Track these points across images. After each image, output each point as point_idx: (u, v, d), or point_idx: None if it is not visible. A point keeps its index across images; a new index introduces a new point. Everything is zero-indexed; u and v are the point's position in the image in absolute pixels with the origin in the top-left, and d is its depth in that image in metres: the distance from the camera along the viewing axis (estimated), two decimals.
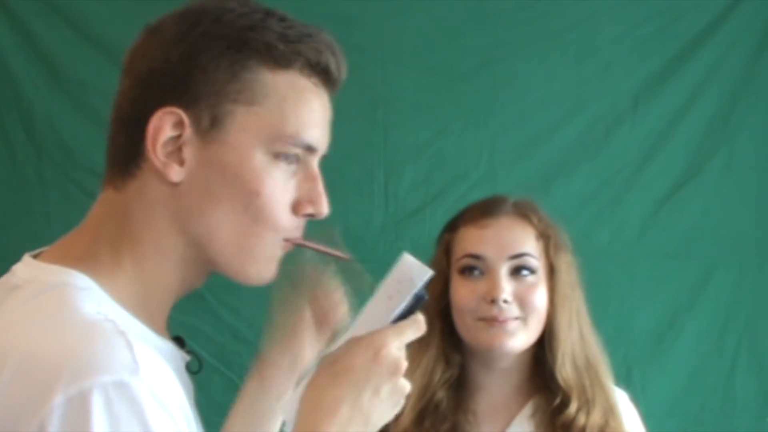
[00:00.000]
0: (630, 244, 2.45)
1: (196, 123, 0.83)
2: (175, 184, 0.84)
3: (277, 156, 0.85)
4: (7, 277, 0.86)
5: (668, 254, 2.47)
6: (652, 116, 2.47)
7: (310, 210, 0.89)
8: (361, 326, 0.92)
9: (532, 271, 1.38)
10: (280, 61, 0.84)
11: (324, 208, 0.90)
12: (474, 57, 2.44)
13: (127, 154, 0.85)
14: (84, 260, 0.84)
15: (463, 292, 1.38)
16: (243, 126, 0.83)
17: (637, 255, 2.45)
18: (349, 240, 2.67)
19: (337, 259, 0.99)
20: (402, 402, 0.88)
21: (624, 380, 2.34)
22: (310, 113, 0.87)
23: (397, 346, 0.88)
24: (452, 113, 2.43)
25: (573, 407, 1.37)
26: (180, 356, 0.89)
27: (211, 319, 2.30)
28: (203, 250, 0.86)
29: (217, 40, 0.83)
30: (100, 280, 0.82)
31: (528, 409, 1.43)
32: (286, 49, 0.85)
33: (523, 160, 2.45)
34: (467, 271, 1.38)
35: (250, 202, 0.84)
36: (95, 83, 2.32)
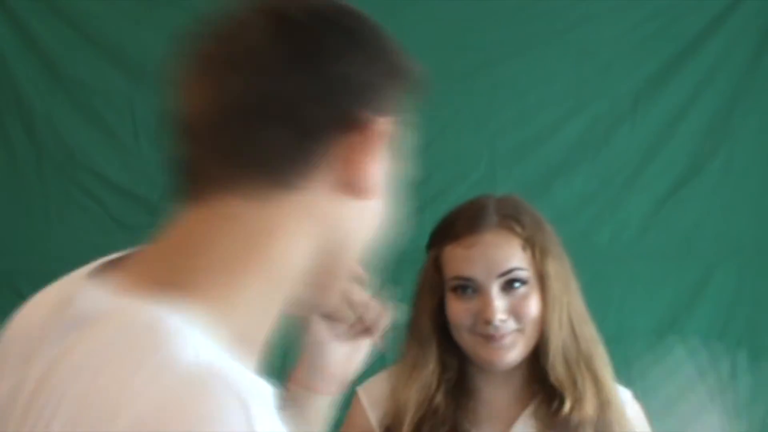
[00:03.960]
0: (630, 244, 2.45)
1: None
2: (350, 204, 0.74)
3: None
4: (65, 302, 0.71)
5: (668, 254, 2.47)
6: (652, 116, 2.48)
7: None
8: None
9: (523, 282, 1.37)
10: (408, 83, 0.80)
11: None
12: (474, 57, 2.44)
13: (289, 161, 0.71)
14: (188, 287, 0.68)
15: (458, 310, 1.38)
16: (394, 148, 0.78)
17: (637, 255, 2.45)
18: None
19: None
20: None
21: (624, 380, 2.35)
22: None
23: None
24: (452, 113, 2.44)
25: (567, 406, 1.37)
26: (279, 395, 0.77)
27: None
28: (321, 278, 0.76)
29: (391, 55, 0.76)
30: (210, 313, 0.67)
31: (529, 412, 1.43)
32: None
33: (523, 160, 2.45)
34: (459, 290, 1.38)
35: (376, 230, 0.80)
36: (95, 83, 2.32)
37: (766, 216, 2.50)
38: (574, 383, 1.39)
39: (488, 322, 1.34)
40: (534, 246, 1.38)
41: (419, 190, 2.81)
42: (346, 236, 0.75)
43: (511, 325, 1.36)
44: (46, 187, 2.35)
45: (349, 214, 0.74)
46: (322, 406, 1.11)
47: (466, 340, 1.38)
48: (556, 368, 1.38)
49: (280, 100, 0.71)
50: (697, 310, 2.47)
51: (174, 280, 0.68)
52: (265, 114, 0.71)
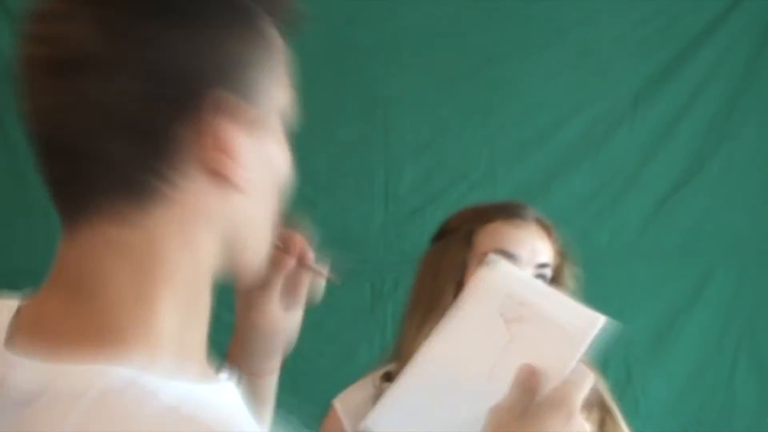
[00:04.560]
0: (630, 244, 2.45)
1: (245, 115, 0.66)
2: (233, 195, 0.66)
3: None
4: None
5: (668, 254, 2.47)
6: (652, 116, 2.48)
7: None
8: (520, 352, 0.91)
9: (545, 282, 1.41)
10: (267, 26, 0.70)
11: None
12: (474, 57, 2.44)
13: (145, 173, 0.63)
14: (115, 340, 0.62)
15: None
16: (272, 94, 0.69)
17: (637, 255, 2.45)
18: (349, 240, 2.66)
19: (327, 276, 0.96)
20: None
21: (624, 380, 2.36)
22: None
23: (580, 403, 0.88)
24: (452, 113, 2.43)
25: None
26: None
27: (211, 319, 2.30)
28: (239, 257, 0.71)
29: (224, 13, 0.66)
30: (146, 352, 0.62)
31: None
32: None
33: (523, 160, 2.45)
34: None
35: (281, 185, 0.72)
36: None
37: (766, 216, 2.50)
38: None
39: None
40: (565, 258, 1.45)
41: (419, 190, 2.81)
42: (242, 220, 0.68)
43: None
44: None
45: (240, 201, 0.66)
46: (269, 387, 1.04)
47: None
48: None
49: (115, 106, 0.61)
50: (697, 310, 2.47)
51: (90, 332, 0.62)
52: (96, 123, 0.62)
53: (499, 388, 0.88)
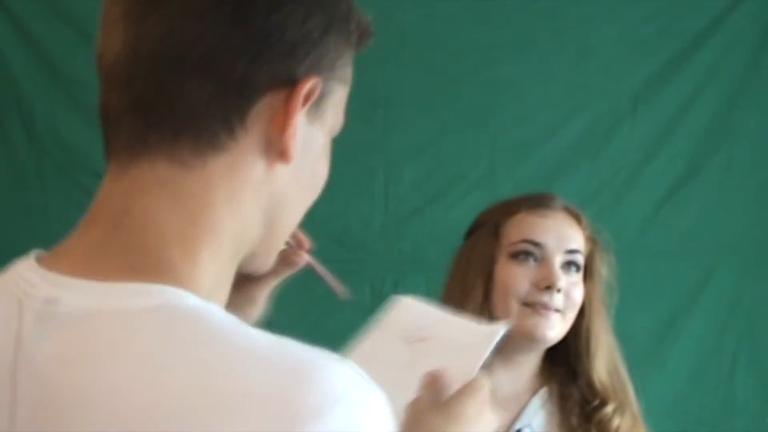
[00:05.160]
0: (630, 244, 2.45)
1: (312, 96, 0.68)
2: (278, 166, 0.68)
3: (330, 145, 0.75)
4: (38, 302, 0.64)
5: (668, 254, 2.47)
6: (652, 116, 2.48)
7: None
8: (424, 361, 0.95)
9: (578, 269, 1.43)
10: (354, 39, 0.75)
11: None
12: (474, 57, 2.44)
13: (214, 119, 0.65)
14: (159, 270, 0.63)
15: (516, 275, 1.40)
16: (336, 108, 0.72)
17: (637, 255, 2.45)
18: (349, 240, 2.67)
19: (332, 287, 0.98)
20: None
21: None
22: None
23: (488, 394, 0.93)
24: (452, 113, 2.43)
25: (610, 408, 1.42)
26: None
27: None
28: (265, 241, 0.71)
29: (335, 8, 0.70)
30: (189, 290, 0.64)
31: (539, 399, 1.45)
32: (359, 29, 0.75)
33: (523, 160, 2.45)
34: (522, 255, 1.41)
35: (316, 192, 0.75)
36: (95, 83, 2.32)
37: (766, 216, 2.50)
38: (615, 389, 1.44)
39: (551, 286, 1.38)
40: (596, 243, 1.46)
41: (419, 190, 2.81)
42: (283, 200, 0.70)
43: (561, 302, 1.39)
44: (46, 187, 2.35)
45: (282, 180, 0.69)
46: None
47: (511, 308, 1.39)
48: (601, 372, 1.43)
49: (204, 50, 0.64)
50: (697, 310, 2.47)
51: (134, 263, 0.63)
52: (187, 65, 0.64)
53: (406, 395, 0.92)
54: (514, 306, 1.39)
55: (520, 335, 1.38)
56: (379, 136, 2.39)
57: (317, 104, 0.69)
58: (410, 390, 0.92)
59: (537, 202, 1.45)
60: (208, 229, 0.66)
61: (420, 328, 0.98)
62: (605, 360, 1.43)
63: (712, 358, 2.47)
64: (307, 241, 0.95)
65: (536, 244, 1.40)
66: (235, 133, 0.65)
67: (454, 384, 0.91)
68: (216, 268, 0.66)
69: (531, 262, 1.40)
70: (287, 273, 0.95)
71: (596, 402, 1.41)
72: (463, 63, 2.44)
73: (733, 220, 2.49)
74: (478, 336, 0.96)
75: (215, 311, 0.62)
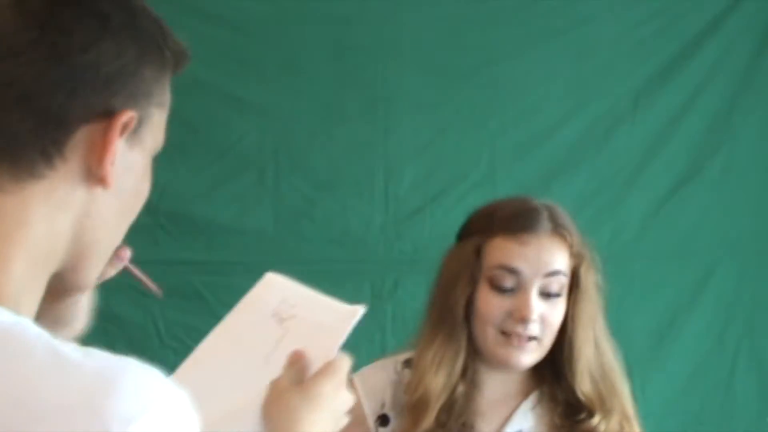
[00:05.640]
0: (630, 244, 2.45)
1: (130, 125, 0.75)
2: (98, 190, 0.74)
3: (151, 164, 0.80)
4: None
5: (668, 254, 2.47)
6: (652, 116, 2.48)
7: None
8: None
9: (558, 295, 1.41)
10: (170, 64, 0.79)
11: None
12: (474, 57, 2.44)
13: (33, 150, 0.70)
14: None
15: (493, 304, 1.40)
16: (155, 130, 0.78)
17: (637, 255, 2.45)
18: (349, 240, 2.66)
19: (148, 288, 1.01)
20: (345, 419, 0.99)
21: None
22: None
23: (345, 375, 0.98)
24: (452, 113, 2.44)
25: (596, 419, 1.42)
26: None
27: (211, 319, 2.29)
28: (76, 262, 0.76)
29: (149, 39, 0.76)
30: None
31: (529, 402, 1.46)
32: (172, 51, 0.79)
33: (523, 160, 2.45)
34: (499, 283, 1.40)
35: (137, 209, 0.79)
36: None
37: (766, 216, 2.50)
38: (601, 398, 1.44)
39: (524, 319, 1.37)
40: (582, 259, 1.44)
41: (419, 190, 2.80)
42: (99, 222, 0.75)
43: (536, 329, 1.39)
44: None
45: (101, 203, 0.74)
46: None
47: (488, 335, 1.40)
48: (584, 384, 1.43)
49: (22, 85, 0.70)
50: (697, 310, 2.47)
51: None
52: (8, 101, 0.70)
53: (275, 371, 0.97)
54: (491, 332, 1.40)
55: (496, 361, 1.42)
56: (379, 136, 2.39)
57: (136, 131, 0.74)
58: (280, 367, 0.97)
59: (520, 225, 1.42)
60: (20, 243, 0.71)
61: (291, 306, 1.02)
62: (588, 371, 1.43)
63: (712, 358, 2.48)
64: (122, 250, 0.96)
65: (513, 271, 1.39)
66: (53, 163, 0.71)
67: (315, 364, 0.96)
68: (26, 281, 0.71)
69: (507, 291, 1.39)
70: (103, 278, 0.95)
71: (582, 414, 1.42)
72: (463, 63, 2.44)
73: (733, 220, 2.50)
74: (339, 316, 1.00)
75: (27, 326, 0.66)
